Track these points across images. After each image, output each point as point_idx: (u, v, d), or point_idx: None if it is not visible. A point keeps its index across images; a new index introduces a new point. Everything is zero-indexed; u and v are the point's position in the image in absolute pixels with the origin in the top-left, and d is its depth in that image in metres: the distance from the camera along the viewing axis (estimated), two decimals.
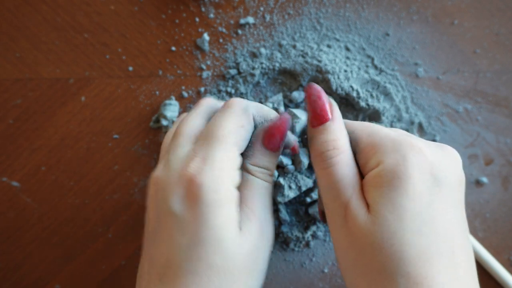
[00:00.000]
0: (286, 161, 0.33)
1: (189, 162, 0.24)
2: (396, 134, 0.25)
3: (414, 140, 0.24)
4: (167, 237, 0.24)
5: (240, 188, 0.26)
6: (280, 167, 0.33)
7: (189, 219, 0.23)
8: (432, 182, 0.23)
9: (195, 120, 0.27)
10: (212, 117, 0.27)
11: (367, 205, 0.23)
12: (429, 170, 0.23)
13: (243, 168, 0.26)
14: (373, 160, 0.24)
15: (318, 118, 0.26)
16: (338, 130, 0.25)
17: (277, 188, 0.34)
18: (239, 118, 0.26)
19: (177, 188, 0.24)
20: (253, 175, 0.26)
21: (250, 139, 0.27)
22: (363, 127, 0.26)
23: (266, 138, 0.26)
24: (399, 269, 0.21)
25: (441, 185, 0.23)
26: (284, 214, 0.37)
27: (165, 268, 0.24)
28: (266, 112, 0.28)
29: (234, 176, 0.25)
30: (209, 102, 0.29)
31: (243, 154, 0.27)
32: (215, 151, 0.24)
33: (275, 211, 0.37)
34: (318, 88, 0.26)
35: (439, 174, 0.23)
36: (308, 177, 0.34)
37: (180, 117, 0.34)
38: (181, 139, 0.26)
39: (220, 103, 0.30)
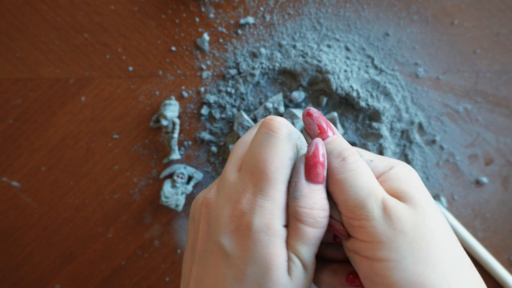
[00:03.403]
0: None
1: (240, 198, 0.23)
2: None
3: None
4: (214, 265, 0.24)
5: (287, 229, 0.24)
6: None
7: (237, 255, 0.23)
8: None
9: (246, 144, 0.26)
10: (252, 139, 0.25)
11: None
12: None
13: (290, 212, 0.24)
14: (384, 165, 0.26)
15: (324, 132, 0.25)
16: (345, 141, 0.26)
17: None
18: (287, 148, 0.24)
19: (228, 222, 0.24)
20: (302, 222, 0.23)
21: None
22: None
23: (309, 171, 0.24)
24: (449, 253, 0.22)
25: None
26: None
27: None
28: (304, 140, 0.26)
29: (283, 214, 0.24)
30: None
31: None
32: (266, 190, 0.23)
33: None
34: (316, 110, 0.27)
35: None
36: None
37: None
38: (229, 164, 0.26)
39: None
